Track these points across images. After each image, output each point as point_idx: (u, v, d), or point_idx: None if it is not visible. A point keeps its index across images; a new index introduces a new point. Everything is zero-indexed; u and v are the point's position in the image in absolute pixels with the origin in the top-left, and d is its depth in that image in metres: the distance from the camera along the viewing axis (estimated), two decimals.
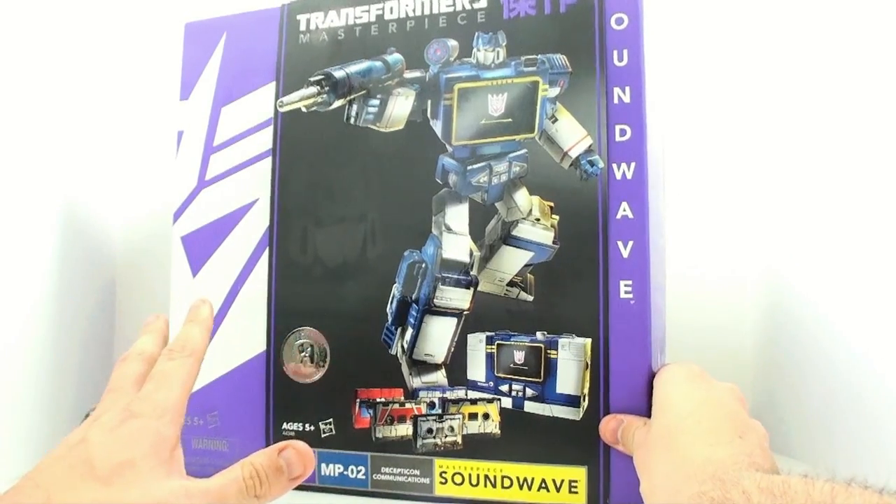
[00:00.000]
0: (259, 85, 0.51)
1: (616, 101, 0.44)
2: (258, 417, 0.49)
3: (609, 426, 0.42)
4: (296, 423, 0.48)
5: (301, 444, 0.35)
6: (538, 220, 0.45)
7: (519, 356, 0.45)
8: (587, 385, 0.43)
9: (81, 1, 0.62)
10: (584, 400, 0.43)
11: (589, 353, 0.43)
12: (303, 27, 0.50)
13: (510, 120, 0.46)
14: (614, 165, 0.44)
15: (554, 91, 0.45)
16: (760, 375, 0.61)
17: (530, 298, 0.45)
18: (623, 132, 0.44)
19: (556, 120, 0.45)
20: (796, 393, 0.56)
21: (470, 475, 0.45)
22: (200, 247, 0.51)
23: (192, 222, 0.52)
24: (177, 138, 0.52)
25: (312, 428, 0.48)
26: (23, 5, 0.53)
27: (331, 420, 0.48)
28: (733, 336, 0.62)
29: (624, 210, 0.44)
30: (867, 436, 0.47)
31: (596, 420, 0.43)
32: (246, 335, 0.50)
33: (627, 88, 0.44)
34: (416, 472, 0.46)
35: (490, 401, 0.45)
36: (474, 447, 0.45)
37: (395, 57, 0.49)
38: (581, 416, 0.43)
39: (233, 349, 0.50)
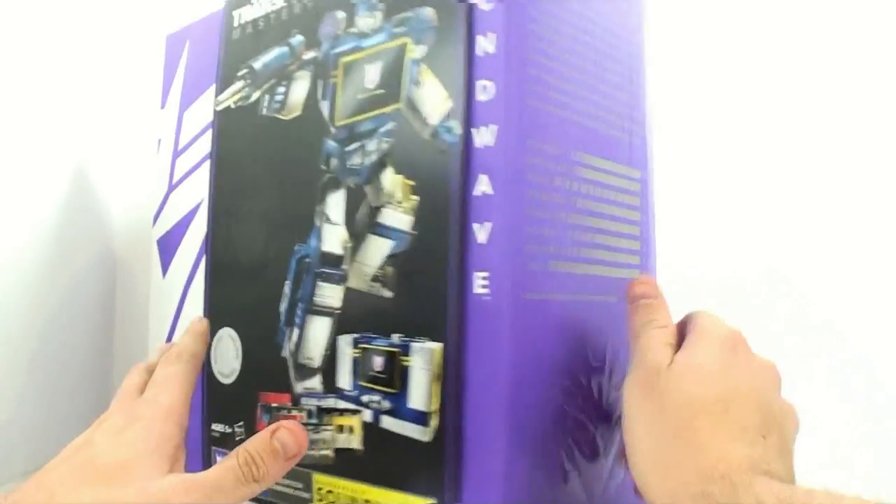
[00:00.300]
0: (207, 86, 0.51)
1: (480, 52, 0.36)
2: (197, 418, 0.49)
3: (638, 290, 0.37)
4: (220, 425, 0.47)
5: (293, 424, 0.36)
6: (400, 203, 0.38)
7: (378, 362, 0.39)
8: (437, 400, 0.36)
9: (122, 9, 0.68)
10: (432, 418, 0.36)
11: (439, 360, 0.36)
12: (235, 22, 0.50)
13: (382, 91, 0.40)
14: (474, 131, 0.36)
15: (421, 51, 0.39)
16: None
17: (389, 295, 0.38)
18: (485, 89, 0.36)
19: (420, 84, 0.38)
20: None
21: (340, 494, 0.40)
22: (168, 249, 0.53)
23: (163, 225, 0.54)
24: (157, 146, 0.55)
25: (230, 430, 0.47)
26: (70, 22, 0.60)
27: (242, 423, 0.46)
28: None
29: (483, 185, 0.35)
30: (872, 438, 0.46)
31: (445, 443, 0.35)
32: None
33: (493, 35, 0.36)
34: (300, 485, 0.42)
35: (354, 412, 0.40)
36: (343, 463, 0.40)
37: (297, 39, 0.46)
38: (430, 437, 0.36)
39: None
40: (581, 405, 0.38)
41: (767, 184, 0.57)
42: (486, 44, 0.36)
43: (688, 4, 0.60)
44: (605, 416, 0.39)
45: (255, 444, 0.35)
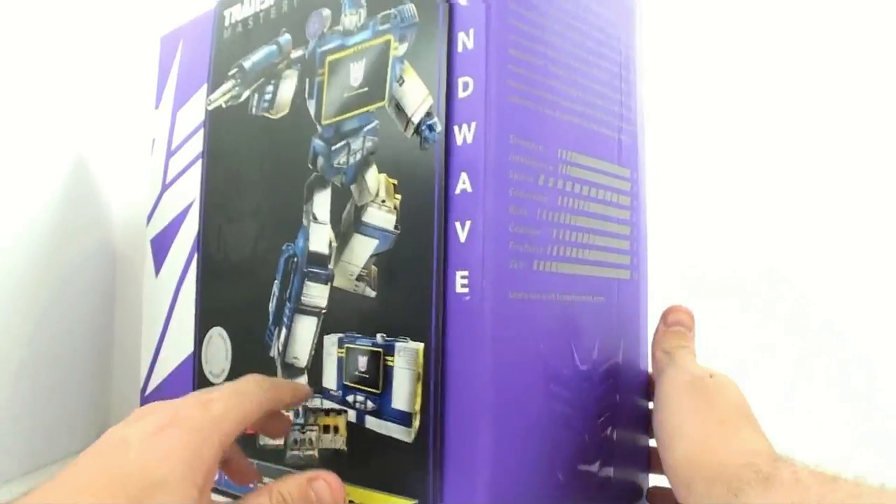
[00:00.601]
0: (199, 86, 0.51)
1: (460, 48, 0.36)
2: None
3: (675, 316, 0.41)
4: None
5: (332, 477, 0.34)
6: (384, 201, 0.38)
7: (362, 362, 0.38)
8: (419, 400, 0.35)
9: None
10: (415, 418, 0.35)
11: (422, 360, 0.35)
12: (226, 22, 0.50)
13: (366, 89, 0.40)
14: (455, 128, 0.35)
15: (403, 48, 0.38)
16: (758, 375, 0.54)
17: (373, 294, 0.38)
18: (465, 86, 0.35)
19: (403, 82, 0.38)
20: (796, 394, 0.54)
21: None
22: (161, 248, 0.53)
23: (157, 225, 0.54)
24: (151, 146, 0.56)
25: None
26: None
27: None
28: (732, 336, 0.57)
29: (463, 183, 0.35)
30: (872, 438, 0.48)
31: (427, 444, 0.35)
32: (183, 336, 0.50)
33: (472, 31, 0.35)
34: None
35: (339, 412, 0.39)
36: (327, 463, 0.40)
37: (285, 38, 0.45)
38: (412, 437, 0.36)
39: (175, 351, 0.51)
40: (568, 407, 0.37)
41: (768, 184, 0.58)
42: (465, 39, 0.36)
43: (690, 3, 0.60)
44: (593, 417, 0.39)
45: (290, 487, 0.33)
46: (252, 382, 0.36)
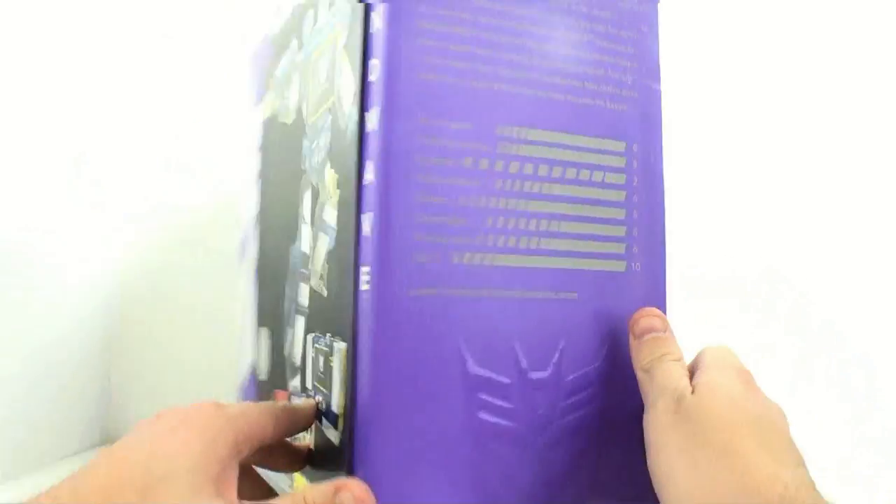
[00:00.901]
0: (261, 96, 0.55)
1: (373, 29, 0.34)
2: None
3: (644, 323, 0.35)
4: None
5: (360, 488, 0.32)
6: (331, 198, 0.37)
7: (320, 362, 0.38)
8: (344, 403, 0.34)
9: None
10: (340, 421, 0.34)
11: (345, 362, 0.34)
12: (271, 33, 0.52)
13: (328, 84, 0.39)
14: (367, 115, 0.33)
15: (343, 38, 0.37)
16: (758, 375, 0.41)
17: (326, 293, 0.37)
18: (373, 69, 0.33)
19: (341, 72, 0.37)
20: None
21: None
22: (240, 250, 0.58)
23: (245, 227, 0.58)
24: (246, 149, 0.60)
25: None
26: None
27: None
28: (732, 336, 0.47)
29: (369, 172, 0.33)
30: (872, 438, 0.47)
31: (344, 449, 0.33)
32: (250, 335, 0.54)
33: (380, 8, 0.33)
34: (289, 480, 0.43)
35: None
36: (307, 465, 0.40)
37: (294, 43, 0.46)
38: (338, 441, 0.34)
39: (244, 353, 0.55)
40: (508, 417, 0.33)
41: (768, 184, 0.57)
42: (376, 19, 0.33)
43: (695, 4, 0.57)
44: (558, 430, 0.34)
45: (316, 495, 0.32)
46: (269, 402, 0.37)
